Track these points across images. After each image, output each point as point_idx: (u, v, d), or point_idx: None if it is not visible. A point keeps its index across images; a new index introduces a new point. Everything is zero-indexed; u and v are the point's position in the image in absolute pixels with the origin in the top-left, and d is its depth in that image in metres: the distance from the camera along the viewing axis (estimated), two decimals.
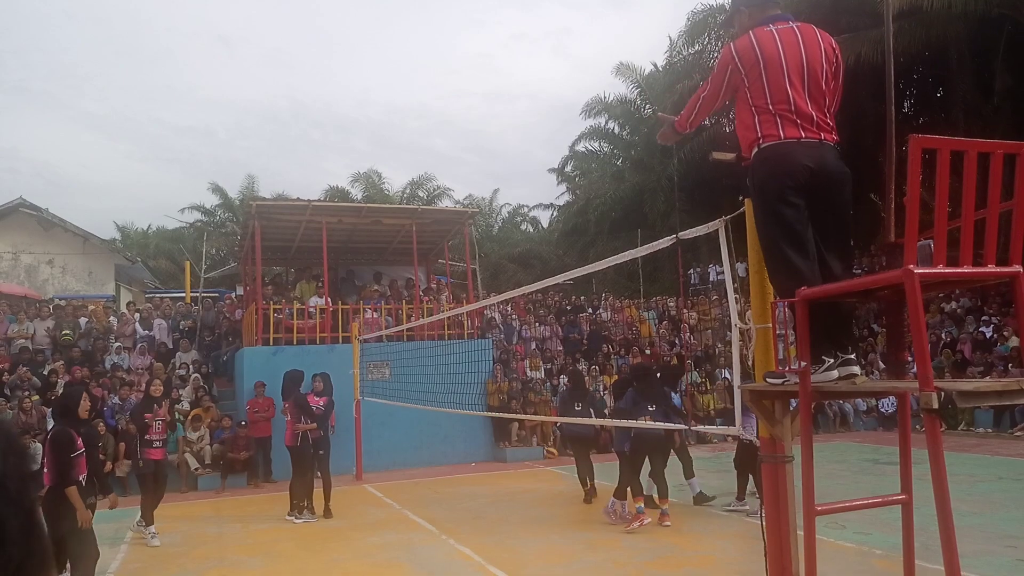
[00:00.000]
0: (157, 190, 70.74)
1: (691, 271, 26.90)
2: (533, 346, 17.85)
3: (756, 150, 3.32)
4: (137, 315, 16.53)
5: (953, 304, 19.59)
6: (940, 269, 2.68)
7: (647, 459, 8.42)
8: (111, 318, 16.49)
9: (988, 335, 16.95)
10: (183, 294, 21.34)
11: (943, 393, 2.49)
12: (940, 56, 22.07)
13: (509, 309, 19.66)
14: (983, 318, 17.89)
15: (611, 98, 32.30)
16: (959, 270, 2.72)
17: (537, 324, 19.07)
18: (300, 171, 74.31)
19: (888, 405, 16.70)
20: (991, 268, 2.78)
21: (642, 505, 8.18)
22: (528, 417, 13.95)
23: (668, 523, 8.16)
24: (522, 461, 14.16)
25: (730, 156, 3.72)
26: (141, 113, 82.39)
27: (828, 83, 3.35)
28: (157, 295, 22.23)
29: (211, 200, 37.10)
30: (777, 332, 3.44)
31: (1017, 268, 2.80)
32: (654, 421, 7.81)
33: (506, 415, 12.64)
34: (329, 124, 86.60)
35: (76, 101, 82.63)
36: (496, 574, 6.63)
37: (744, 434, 7.42)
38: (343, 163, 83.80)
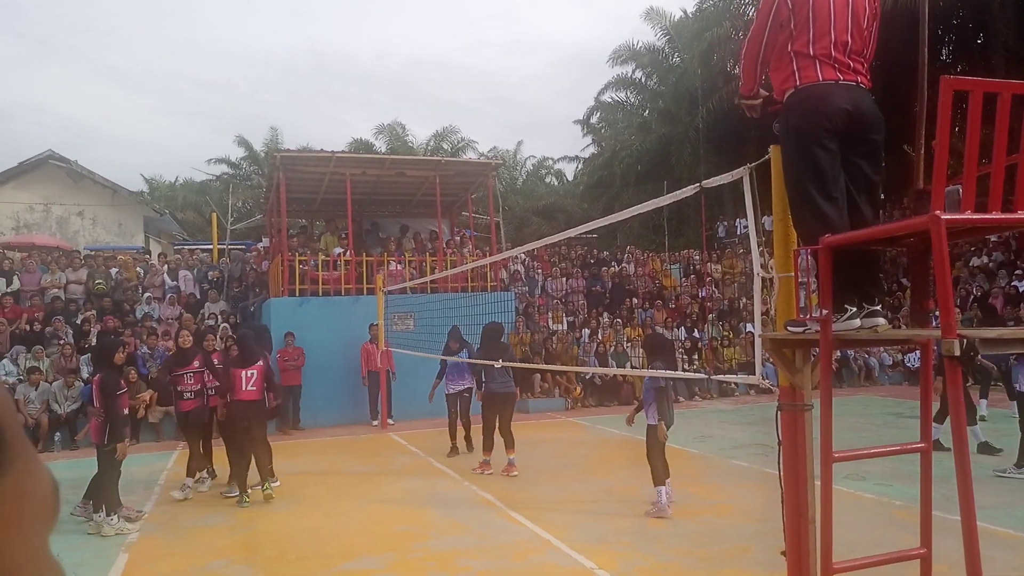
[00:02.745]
0: (181, 144, 71.28)
1: (718, 224, 26.60)
2: (556, 301, 17.88)
3: (792, 91, 3.27)
4: (165, 266, 16.80)
5: (986, 258, 19.23)
6: (968, 215, 2.62)
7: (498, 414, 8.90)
8: (139, 269, 16.78)
9: (1021, 289, 16.65)
10: (211, 246, 21.58)
11: (965, 341, 2.46)
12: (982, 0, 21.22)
13: (533, 262, 19.66)
14: (1016, 272, 17.55)
15: (639, 45, 31.57)
16: (987, 216, 2.67)
17: (562, 277, 19.07)
18: (322, 124, 74.27)
19: (914, 360, 16.54)
20: (1021, 215, 2.72)
21: (488, 457, 8.90)
22: (551, 367, 14.06)
23: (515, 473, 8.60)
24: (545, 412, 14.32)
25: (756, 101, 3.63)
26: (163, 67, 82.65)
27: (868, 26, 3.30)
28: (186, 247, 22.52)
29: (237, 153, 37.17)
30: (799, 280, 3.40)
31: None
32: (503, 377, 8.88)
33: (528, 366, 12.74)
34: (349, 77, 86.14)
35: (99, 55, 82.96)
36: (517, 519, 6.77)
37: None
38: (364, 116, 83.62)
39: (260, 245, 19.09)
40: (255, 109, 77.53)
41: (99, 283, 15.40)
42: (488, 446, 8.96)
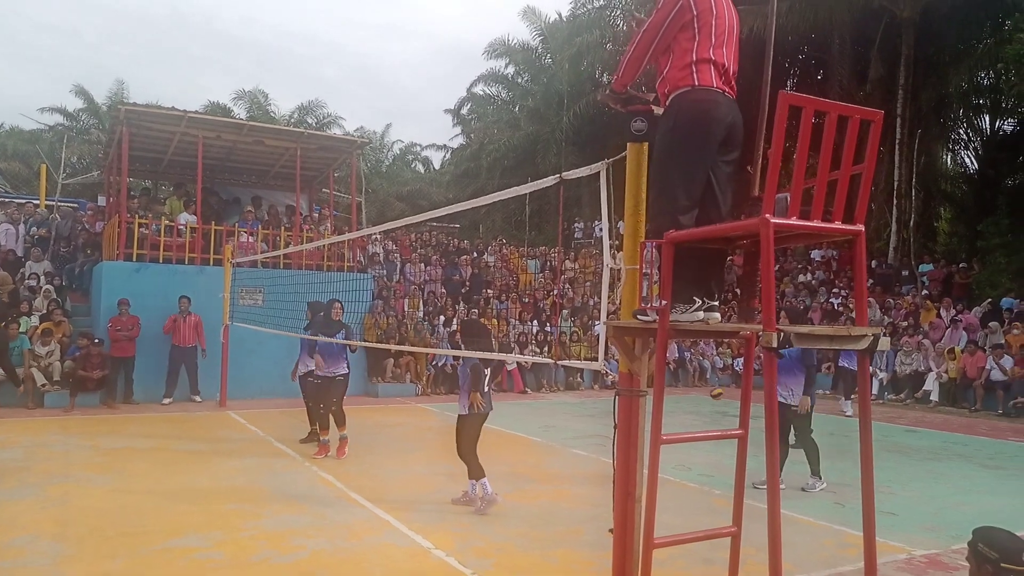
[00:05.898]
0: (11, 89, 64.36)
1: (575, 225, 27.53)
2: (414, 287, 17.79)
3: (688, 89, 3.32)
4: None
5: (809, 276, 21.15)
6: (793, 221, 2.87)
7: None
8: None
9: (836, 305, 18.47)
10: (37, 200, 19.66)
11: (782, 334, 2.70)
12: (824, 40, 23.25)
13: (393, 246, 19.45)
14: (833, 290, 19.46)
15: (514, 42, 32.05)
16: (809, 224, 2.92)
17: (421, 264, 19.01)
18: (177, 84, 69.69)
19: (741, 363, 17.87)
20: (838, 225, 3.00)
21: (327, 438, 8.79)
22: (404, 348, 14.01)
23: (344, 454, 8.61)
24: (394, 397, 14.23)
25: (637, 103, 3.71)
26: None
27: (736, 45, 3.50)
28: (6, 199, 20.39)
29: (75, 103, 34.22)
30: (644, 272, 3.58)
31: (859, 227, 3.05)
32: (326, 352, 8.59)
33: (381, 345, 12.61)
34: (211, 39, 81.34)
35: None
36: (357, 500, 6.69)
37: (789, 399, 7.09)
38: (224, 81, 79.10)
39: (97, 205, 17.65)
40: (102, 60, 71.41)
41: None
42: (324, 425, 8.83)
